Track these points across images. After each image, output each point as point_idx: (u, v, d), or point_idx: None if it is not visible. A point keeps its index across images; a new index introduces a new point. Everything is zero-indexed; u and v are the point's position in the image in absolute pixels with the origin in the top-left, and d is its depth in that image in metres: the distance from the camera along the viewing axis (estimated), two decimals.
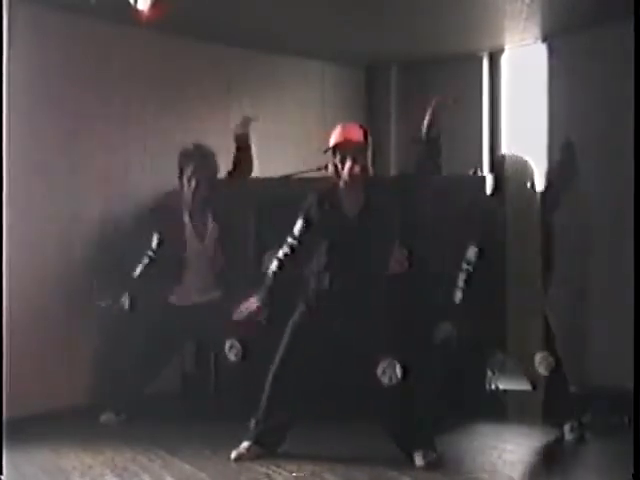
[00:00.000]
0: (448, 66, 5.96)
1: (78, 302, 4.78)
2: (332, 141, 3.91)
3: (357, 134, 3.91)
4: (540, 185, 4.45)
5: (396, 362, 3.71)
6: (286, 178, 4.59)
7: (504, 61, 5.83)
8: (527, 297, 4.25)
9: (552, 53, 5.37)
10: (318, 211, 3.91)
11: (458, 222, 4.45)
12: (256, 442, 3.93)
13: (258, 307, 3.88)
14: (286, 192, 4.48)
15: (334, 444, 4.13)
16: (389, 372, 3.73)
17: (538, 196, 4.39)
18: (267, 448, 3.94)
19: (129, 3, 3.64)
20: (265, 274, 3.94)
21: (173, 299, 4.63)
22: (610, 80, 4.89)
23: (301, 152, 5.43)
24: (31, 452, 3.96)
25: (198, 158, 4.59)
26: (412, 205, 3.98)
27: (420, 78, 6.18)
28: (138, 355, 4.64)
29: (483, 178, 5.08)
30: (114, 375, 4.70)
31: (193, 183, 4.59)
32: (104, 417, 4.56)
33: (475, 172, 5.28)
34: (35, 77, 4.53)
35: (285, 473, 3.72)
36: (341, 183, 3.90)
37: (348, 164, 3.83)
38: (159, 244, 4.56)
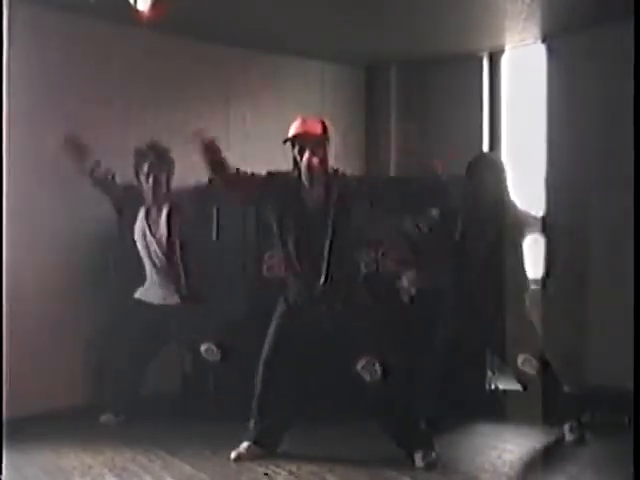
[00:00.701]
0: (448, 66, 5.95)
1: (78, 302, 4.78)
2: (290, 132, 3.93)
3: (316, 127, 3.92)
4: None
5: (375, 360, 3.72)
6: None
7: (504, 61, 5.82)
8: (512, 298, 4.26)
9: (552, 53, 5.37)
10: (284, 206, 3.92)
11: (447, 221, 4.46)
12: (255, 442, 3.94)
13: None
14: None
15: (334, 444, 4.13)
16: (369, 369, 3.73)
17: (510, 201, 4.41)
18: (266, 448, 3.94)
19: (129, 3, 3.64)
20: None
21: (145, 296, 4.64)
22: (610, 80, 4.89)
23: None
24: (31, 452, 3.97)
25: (153, 156, 4.58)
26: (372, 202, 3.96)
27: (420, 78, 6.18)
28: (126, 354, 4.64)
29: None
30: (113, 375, 4.70)
31: (151, 180, 4.57)
32: (104, 417, 4.57)
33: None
34: (35, 77, 4.53)
35: (285, 473, 3.72)
36: (302, 177, 3.90)
37: (306, 155, 3.84)
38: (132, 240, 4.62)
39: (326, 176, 3.90)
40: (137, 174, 4.63)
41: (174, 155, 4.64)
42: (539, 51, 5.45)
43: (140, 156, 4.60)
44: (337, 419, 4.32)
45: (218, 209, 4.88)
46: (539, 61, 5.46)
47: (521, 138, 5.70)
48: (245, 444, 3.94)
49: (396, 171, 6.13)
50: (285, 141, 3.93)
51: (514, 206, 4.41)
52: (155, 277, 4.63)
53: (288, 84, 5.88)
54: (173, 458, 3.93)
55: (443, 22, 5.04)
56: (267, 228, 4.07)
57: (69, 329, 4.74)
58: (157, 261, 4.61)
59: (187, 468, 3.79)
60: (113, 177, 4.58)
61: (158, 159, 4.58)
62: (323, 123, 3.95)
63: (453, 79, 5.99)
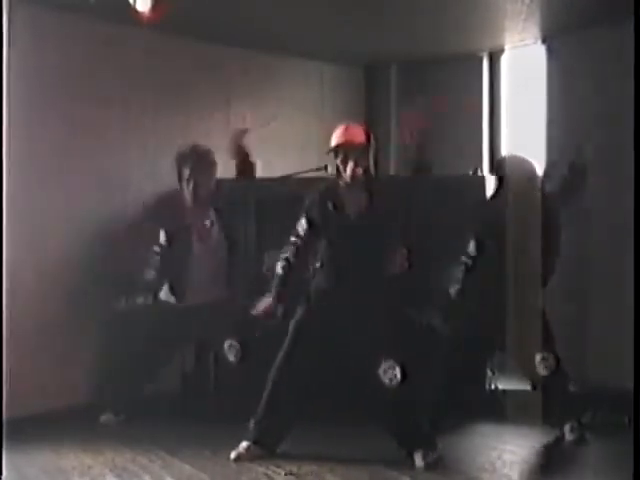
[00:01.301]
0: (448, 66, 5.95)
1: (78, 302, 4.78)
2: (333, 142, 3.91)
3: (359, 135, 3.90)
4: (546, 185, 4.44)
5: (396, 364, 3.72)
6: (285, 178, 4.60)
7: (504, 61, 5.82)
8: (527, 297, 4.25)
9: (552, 53, 5.37)
10: (320, 211, 3.91)
11: (458, 222, 4.45)
12: (255, 442, 3.94)
13: (269, 306, 3.89)
14: (286, 192, 4.48)
15: (334, 444, 4.13)
16: (390, 374, 3.73)
17: (540, 197, 4.38)
18: (266, 448, 3.94)
19: (129, 3, 3.64)
20: (272, 274, 3.95)
21: (173, 299, 4.62)
22: (610, 80, 4.89)
23: (301, 152, 5.43)
24: (31, 452, 3.97)
25: (195, 159, 4.59)
26: (413, 206, 3.98)
27: (420, 78, 6.18)
28: (137, 355, 4.63)
29: (483, 178, 5.08)
30: (114, 375, 4.70)
31: (192, 185, 4.59)
32: (104, 417, 4.56)
33: (475, 172, 5.27)
34: (35, 77, 4.53)
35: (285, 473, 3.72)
36: (342, 183, 3.90)
37: (350, 165, 3.83)
38: (167, 243, 4.58)
39: (369, 183, 3.89)
40: (180, 178, 4.64)
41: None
42: (539, 51, 5.45)
43: (182, 160, 4.62)
44: (338, 419, 4.32)
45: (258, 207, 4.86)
46: (539, 61, 5.46)
47: (521, 138, 5.70)
48: (245, 444, 3.94)
49: (396, 171, 6.12)
50: (328, 152, 3.91)
51: (538, 198, 4.38)
52: (193, 278, 4.62)
53: (288, 84, 5.89)
54: (173, 458, 3.92)
55: (443, 22, 5.04)
56: (267, 228, 4.08)
57: (69, 329, 4.74)
58: (199, 261, 4.60)
59: (187, 468, 3.79)
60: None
61: (200, 163, 4.59)
62: (367, 130, 3.94)
63: (453, 79, 5.99)
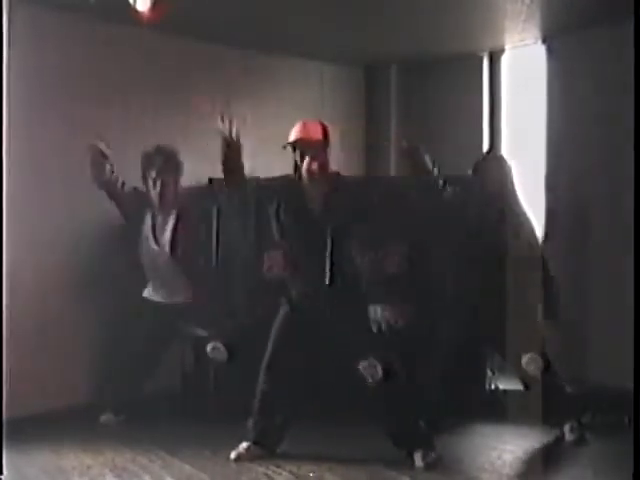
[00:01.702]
0: (448, 66, 5.95)
1: (78, 302, 4.78)
2: (291, 137, 3.94)
3: (316, 131, 3.92)
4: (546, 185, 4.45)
5: (376, 362, 3.72)
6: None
7: (504, 61, 5.82)
8: (517, 298, 4.25)
9: (552, 53, 5.37)
10: (285, 209, 3.92)
11: (448, 223, 4.46)
12: (255, 442, 3.94)
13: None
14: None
15: (334, 444, 4.13)
16: (370, 371, 3.73)
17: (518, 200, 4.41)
18: (266, 448, 3.95)
19: (129, 3, 3.64)
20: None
21: (154, 296, 4.65)
22: (610, 80, 4.89)
23: None
24: (31, 452, 3.97)
25: (161, 160, 4.56)
26: (372, 204, 3.96)
27: (420, 78, 6.18)
28: (131, 354, 4.64)
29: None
30: (114, 375, 4.70)
31: (158, 185, 4.56)
32: (104, 417, 4.56)
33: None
34: (35, 77, 4.53)
35: (285, 473, 3.72)
36: (303, 180, 3.91)
37: (307, 160, 3.85)
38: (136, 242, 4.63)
39: (327, 179, 3.90)
40: (145, 178, 4.62)
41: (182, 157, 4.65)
42: (539, 51, 5.45)
43: (147, 160, 4.59)
44: (337, 419, 4.32)
45: (219, 209, 4.87)
46: (539, 61, 5.46)
47: (521, 138, 5.70)
48: (245, 444, 3.94)
49: (396, 171, 6.12)
50: (285, 146, 3.93)
51: (520, 204, 4.39)
52: (158, 280, 4.62)
53: (288, 84, 5.88)
54: (173, 458, 3.93)
55: (443, 22, 5.04)
56: (266, 228, 4.07)
57: (69, 329, 4.74)
58: (163, 266, 4.60)
59: (187, 468, 3.80)
60: (123, 185, 4.56)
61: (166, 163, 4.56)
62: (324, 127, 3.95)
63: (453, 79, 5.99)
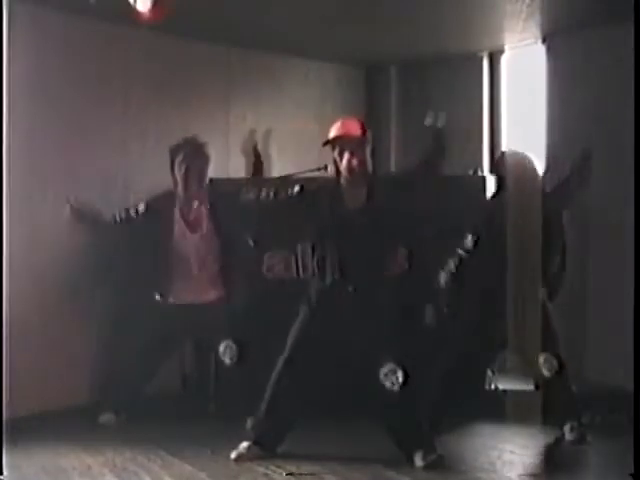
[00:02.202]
0: (448, 66, 5.96)
1: (77, 302, 4.78)
2: (331, 134, 3.94)
3: (356, 128, 3.94)
4: (546, 184, 4.43)
5: (398, 368, 3.71)
6: (285, 178, 4.58)
7: (504, 61, 5.82)
8: (530, 297, 4.25)
9: (552, 53, 5.37)
10: (320, 207, 3.91)
11: (458, 222, 4.44)
12: (256, 442, 3.94)
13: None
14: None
15: (334, 444, 4.13)
16: (391, 377, 3.73)
17: (541, 196, 4.37)
18: (266, 448, 3.94)
19: (129, 3, 3.64)
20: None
21: (169, 297, 4.59)
22: (610, 80, 4.89)
23: (300, 152, 5.43)
24: (31, 452, 3.97)
25: (189, 148, 4.55)
26: (413, 203, 3.97)
27: (420, 78, 6.18)
28: (136, 354, 4.64)
29: (483, 178, 5.08)
30: (114, 375, 4.70)
31: (183, 170, 4.53)
32: (104, 417, 4.56)
33: (475, 172, 5.28)
34: (35, 77, 4.53)
35: (285, 473, 3.72)
36: (341, 179, 3.91)
37: (346, 157, 3.86)
38: (154, 242, 4.55)
39: (366, 177, 3.91)
40: (172, 167, 4.59)
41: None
42: (539, 51, 5.45)
43: (176, 150, 4.57)
44: (337, 419, 4.32)
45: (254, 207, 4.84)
46: (539, 61, 5.46)
47: (521, 138, 5.70)
48: (245, 444, 3.94)
49: (397, 170, 6.13)
50: (325, 144, 3.93)
51: (539, 198, 4.37)
52: (191, 275, 4.60)
53: (288, 84, 5.89)
54: (173, 458, 3.92)
55: (443, 22, 5.04)
56: (266, 228, 4.07)
57: (69, 329, 4.74)
58: (191, 258, 4.57)
59: (187, 468, 3.79)
60: (136, 212, 4.56)
61: (193, 151, 4.56)
62: (362, 124, 3.97)
63: (453, 79, 5.99)
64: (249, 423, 4.08)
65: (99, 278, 4.79)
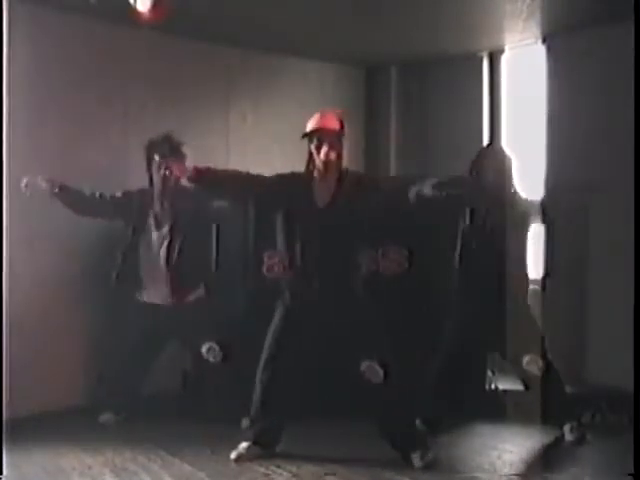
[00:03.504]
0: (448, 66, 5.96)
1: (78, 302, 4.78)
2: (309, 127, 3.94)
3: (334, 122, 3.94)
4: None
5: (376, 363, 3.72)
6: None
7: (504, 61, 5.82)
8: (516, 298, 4.25)
9: (552, 53, 5.37)
10: (292, 204, 3.91)
11: (446, 223, 4.45)
12: (255, 442, 3.94)
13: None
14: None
15: (334, 444, 4.13)
16: (371, 372, 3.73)
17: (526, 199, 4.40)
18: (266, 448, 3.95)
19: (129, 3, 3.64)
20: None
21: (147, 297, 4.61)
22: (610, 80, 4.89)
23: (300, 152, 5.42)
24: (31, 452, 3.97)
25: (167, 147, 4.54)
26: (381, 203, 3.94)
27: (420, 78, 6.18)
28: (127, 354, 4.64)
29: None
30: (113, 375, 4.70)
31: (162, 171, 4.50)
32: (104, 417, 4.57)
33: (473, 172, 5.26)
34: (35, 77, 4.52)
35: (285, 473, 3.72)
36: (315, 172, 3.90)
37: (324, 150, 3.86)
38: (130, 242, 4.59)
39: (339, 173, 3.91)
40: (149, 165, 4.59)
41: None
42: (539, 51, 5.45)
43: (153, 147, 4.57)
44: (337, 419, 4.32)
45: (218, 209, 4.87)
46: (539, 61, 5.46)
47: (521, 138, 5.70)
48: (245, 444, 3.94)
49: (396, 171, 6.13)
50: (304, 136, 3.94)
51: (519, 197, 4.38)
52: (156, 277, 4.62)
53: (288, 84, 5.89)
54: (173, 458, 3.93)
55: (443, 22, 5.04)
56: (267, 228, 4.07)
57: (69, 329, 4.74)
58: (159, 260, 4.60)
59: (187, 467, 3.80)
60: (101, 195, 4.56)
61: (171, 151, 4.55)
62: (341, 118, 3.97)
63: (453, 79, 5.99)
64: (244, 423, 4.10)
65: (98, 277, 4.78)
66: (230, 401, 4.44)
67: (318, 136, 3.90)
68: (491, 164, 4.37)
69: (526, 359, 4.16)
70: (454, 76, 5.97)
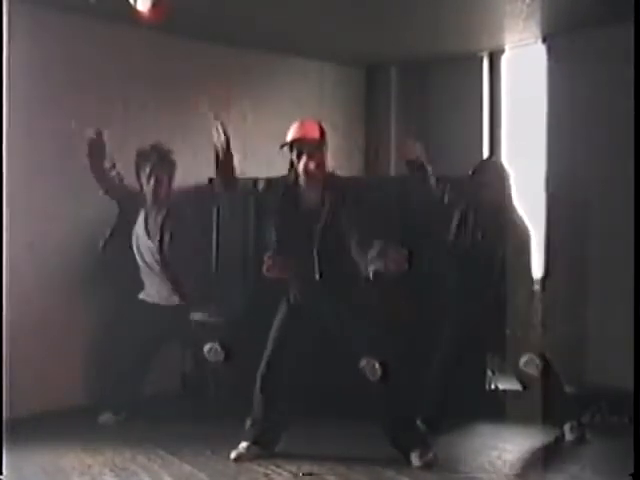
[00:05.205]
0: (448, 66, 5.96)
1: (78, 302, 4.78)
2: (289, 137, 3.93)
3: (314, 131, 3.92)
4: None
5: (374, 361, 3.72)
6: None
7: (504, 61, 5.82)
8: (513, 298, 4.26)
9: (552, 53, 5.37)
10: (281, 209, 3.92)
11: (445, 224, 4.46)
12: (255, 442, 3.94)
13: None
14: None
15: (334, 444, 4.13)
16: (369, 369, 3.74)
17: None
18: (266, 448, 3.95)
19: (129, 3, 3.64)
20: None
21: (146, 297, 4.66)
22: (610, 80, 4.89)
23: None
24: (31, 452, 3.97)
25: (156, 157, 4.58)
26: (367, 208, 3.94)
27: (420, 78, 6.18)
28: (131, 354, 4.64)
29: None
30: (113, 375, 4.70)
31: (152, 182, 4.57)
32: (103, 417, 4.57)
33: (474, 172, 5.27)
34: (35, 77, 4.53)
35: (285, 473, 3.72)
36: (299, 180, 3.91)
37: (304, 160, 3.85)
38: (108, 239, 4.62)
39: (323, 179, 3.91)
40: (138, 175, 4.63)
41: (175, 156, 4.66)
42: (539, 51, 5.45)
43: (142, 157, 4.60)
44: (337, 419, 4.32)
45: (218, 209, 4.88)
46: (539, 61, 5.46)
47: (521, 138, 5.70)
48: (245, 444, 3.94)
49: (396, 171, 6.13)
50: (282, 146, 3.92)
51: (517, 212, 4.40)
52: (154, 278, 4.63)
53: (288, 84, 5.88)
54: (172, 458, 3.93)
55: (443, 22, 5.04)
56: (264, 229, 4.08)
57: (69, 329, 4.74)
58: (155, 263, 4.61)
59: (186, 467, 3.79)
60: (121, 179, 4.59)
61: (160, 160, 4.58)
62: (321, 126, 3.95)
63: (453, 79, 5.99)
64: (248, 423, 4.09)
65: (98, 277, 4.79)
66: (230, 401, 4.44)
67: (297, 146, 3.89)
68: (489, 175, 4.39)
69: (524, 359, 4.16)
70: (454, 76, 5.97)
